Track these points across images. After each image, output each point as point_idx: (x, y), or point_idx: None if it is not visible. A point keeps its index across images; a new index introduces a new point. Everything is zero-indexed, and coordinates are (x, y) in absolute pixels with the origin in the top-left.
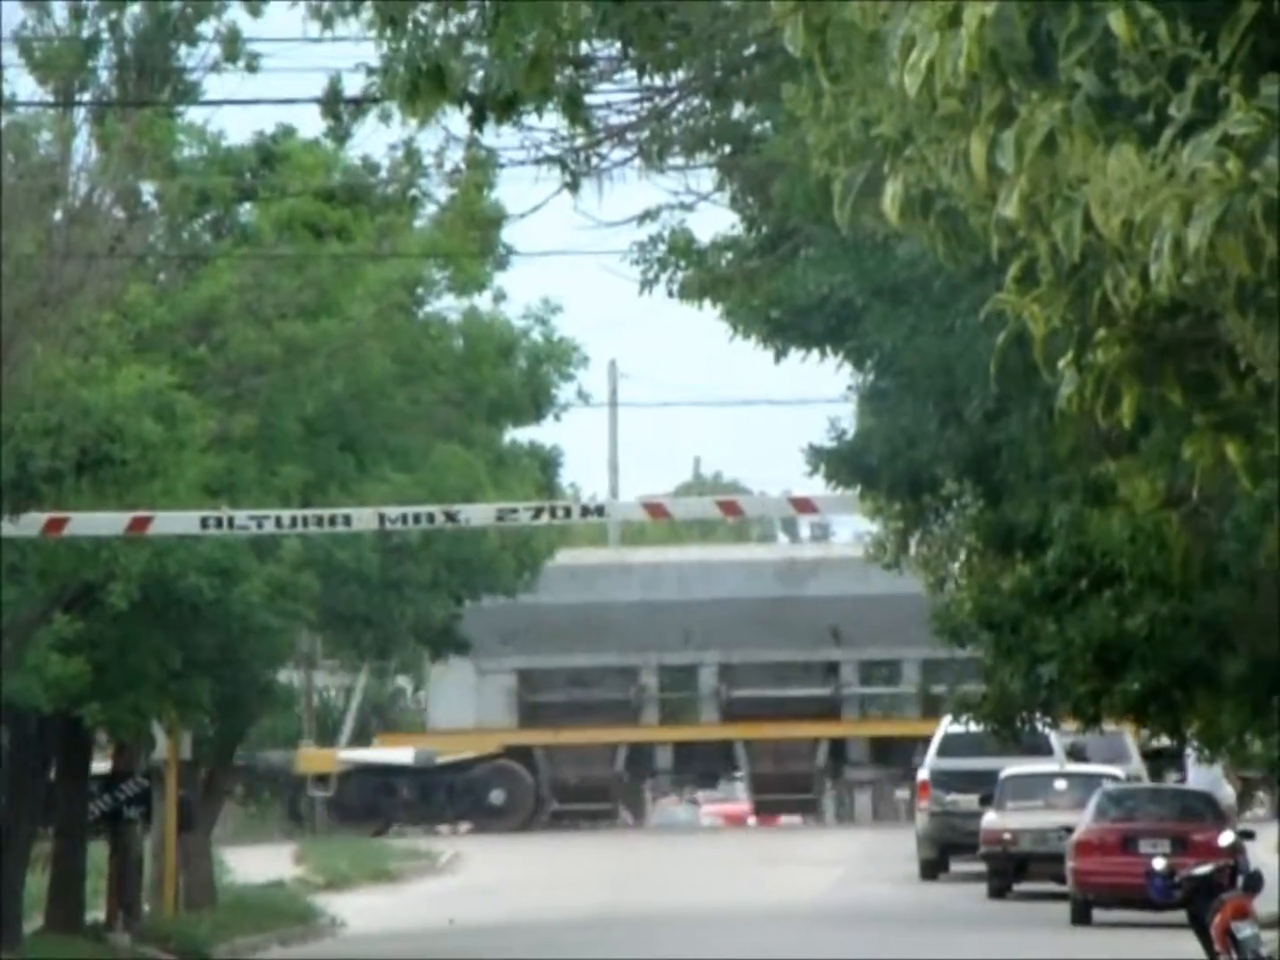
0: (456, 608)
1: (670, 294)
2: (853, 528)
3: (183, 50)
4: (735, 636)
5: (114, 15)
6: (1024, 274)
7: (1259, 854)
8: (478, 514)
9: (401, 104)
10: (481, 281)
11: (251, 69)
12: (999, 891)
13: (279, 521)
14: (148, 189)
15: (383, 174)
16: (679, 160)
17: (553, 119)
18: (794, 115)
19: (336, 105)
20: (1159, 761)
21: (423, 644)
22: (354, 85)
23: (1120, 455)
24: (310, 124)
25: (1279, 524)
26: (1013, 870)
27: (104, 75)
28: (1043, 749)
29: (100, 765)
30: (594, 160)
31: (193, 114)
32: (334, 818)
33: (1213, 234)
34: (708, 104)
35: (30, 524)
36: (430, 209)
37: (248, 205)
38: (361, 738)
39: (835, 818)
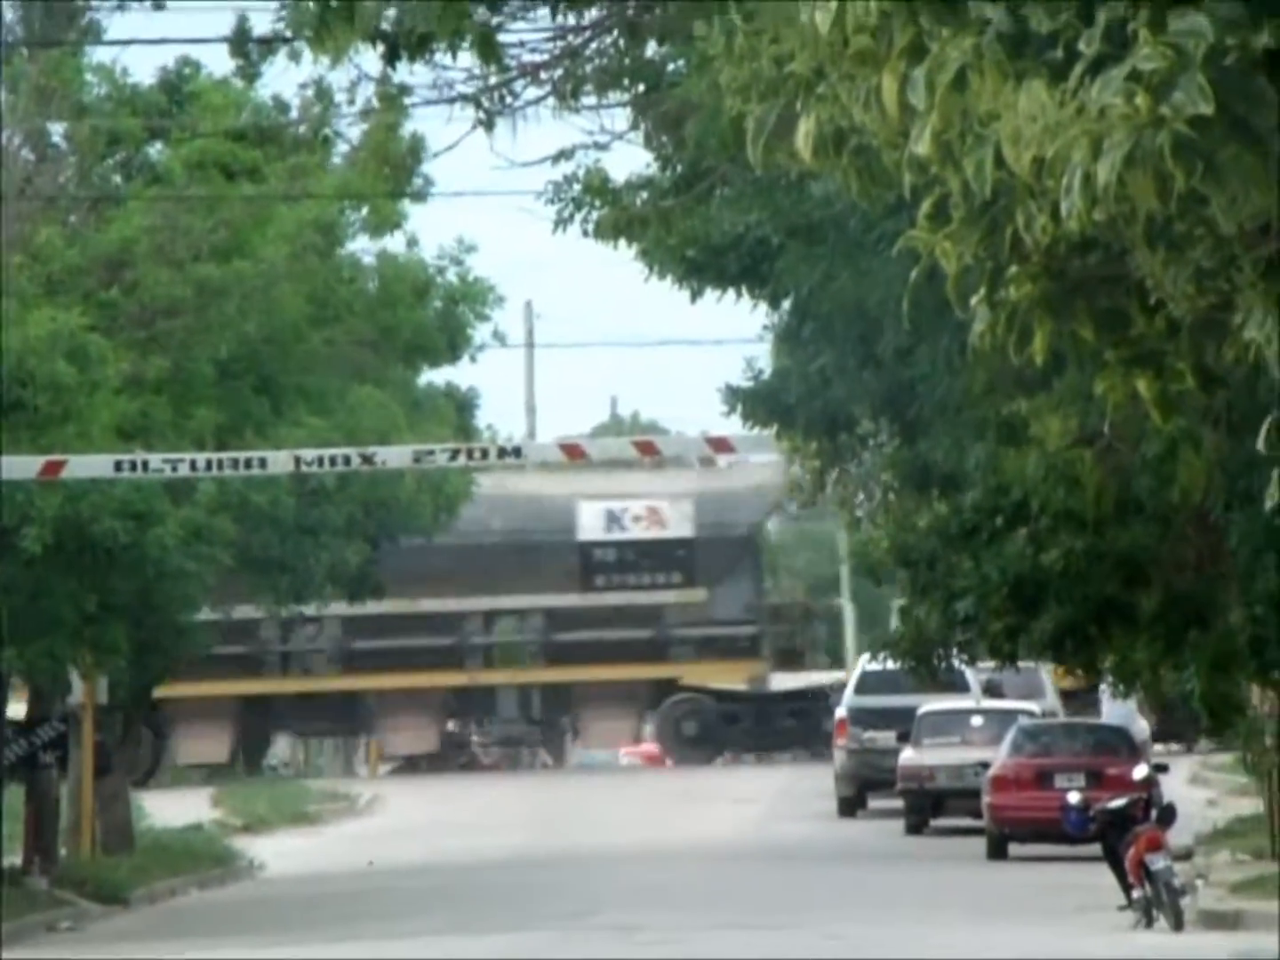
0: (374, 551)
1: (585, 234)
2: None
3: None
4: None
5: None
6: (936, 211)
7: (1172, 787)
8: (394, 456)
9: (311, 41)
10: (395, 222)
11: (158, 7)
12: (916, 827)
13: (194, 465)
14: (57, 130)
15: (294, 114)
16: (593, 99)
17: (466, 57)
18: (707, 55)
19: (245, 44)
20: (1076, 699)
21: (339, 587)
22: (262, 24)
23: (1033, 393)
24: (219, 64)
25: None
26: (929, 806)
27: (9, 15)
28: (959, 686)
29: (15, 710)
30: (508, 99)
31: (100, 54)
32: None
33: (1122, 169)
34: (621, 42)
35: None
36: (343, 149)
37: (158, 146)
38: None
39: (754, 757)
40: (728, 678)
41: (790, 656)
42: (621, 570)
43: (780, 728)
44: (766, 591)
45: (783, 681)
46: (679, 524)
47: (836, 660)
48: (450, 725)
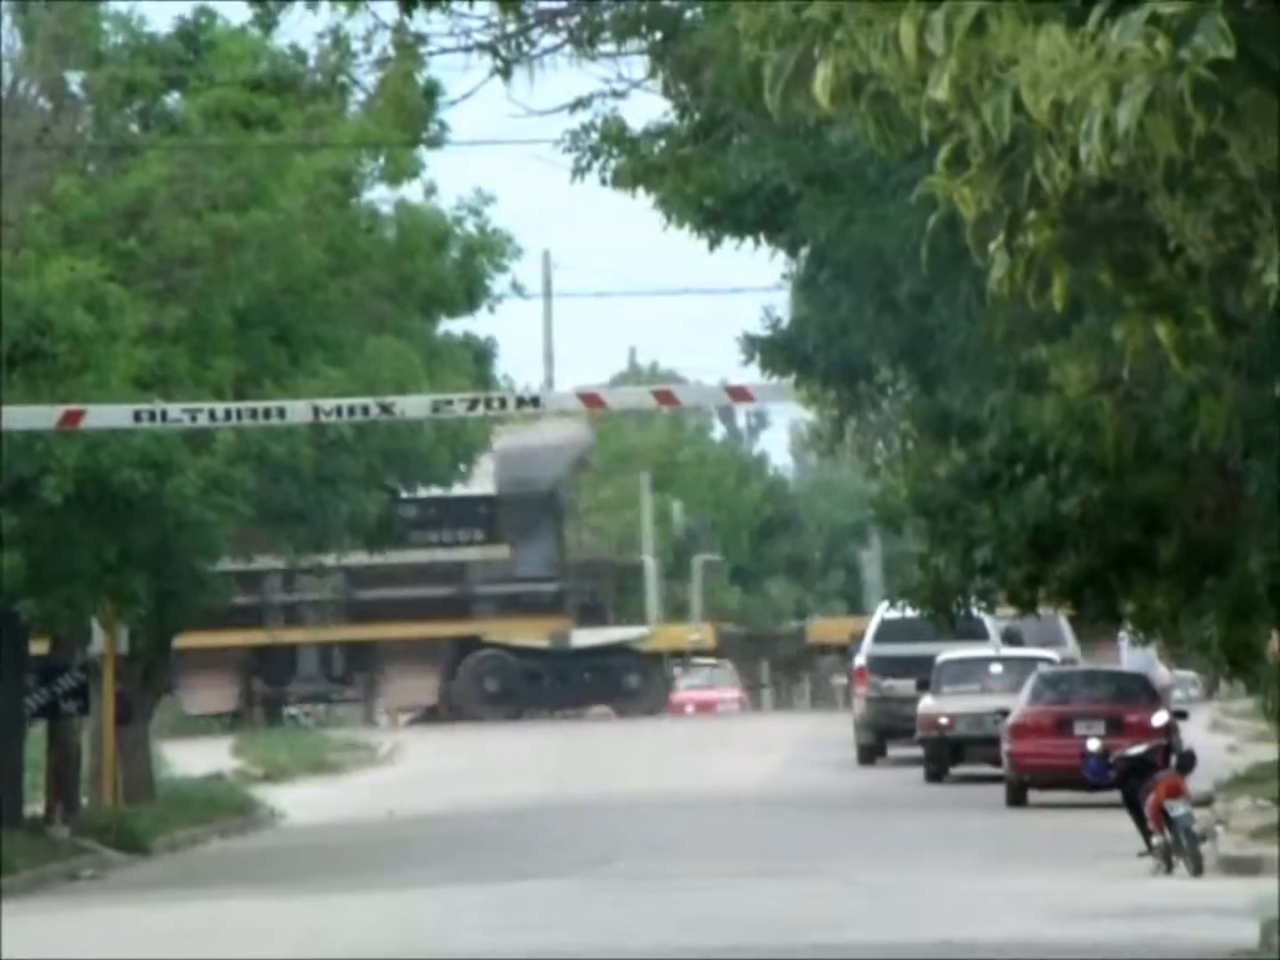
0: (393, 500)
1: (603, 183)
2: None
3: None
4: None
5: None
6: (954, 157)
7: (1192, 734)
8: (412, 406)
9: None
10: (413, 171)
11: None
12: (936, 775)
13: (212, 415)
14: (74, 79)
15: (311, 62)
16: (610, 47)
17: (483, 5)
18: (725, 3)
19: None
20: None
21: (358, 537)
22: None
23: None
24: (237, 12)
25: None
26: (949, 754)
27: None
28: (978, 634)
29: (37, 656)
30: (525, 47)
31: (117, 3)
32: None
33: (1141, 114)
34: None
35: None
36: (360, 98)
37: (175, 95)
38: None
39: (773, 704)
40: (530, 635)
41: (592, 613)
42: (424, 527)
43: (582, 684)
44: (568, 548)
45: (585, 638)
46: (481, 480)
47: (639, 616)
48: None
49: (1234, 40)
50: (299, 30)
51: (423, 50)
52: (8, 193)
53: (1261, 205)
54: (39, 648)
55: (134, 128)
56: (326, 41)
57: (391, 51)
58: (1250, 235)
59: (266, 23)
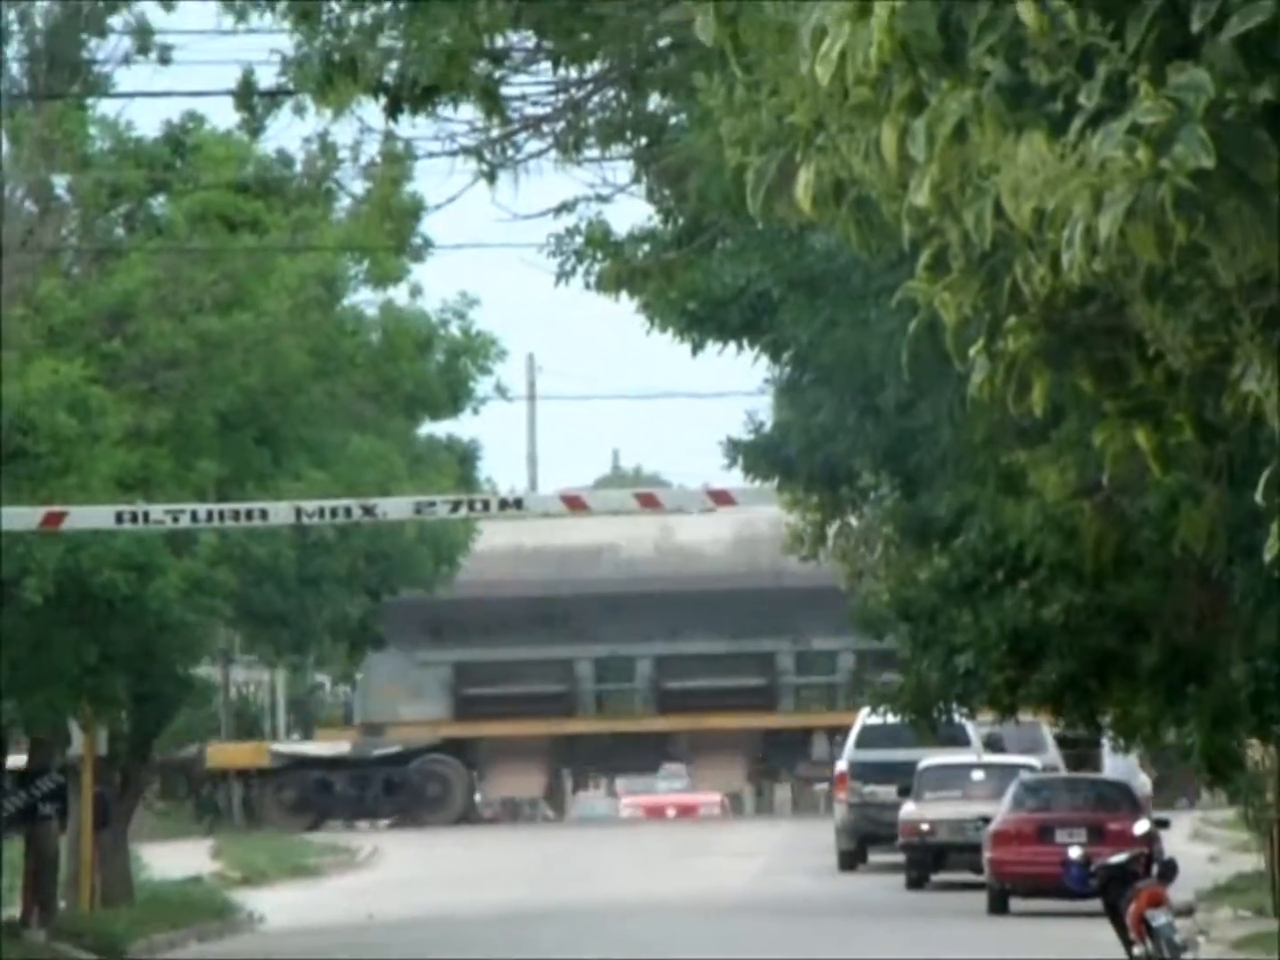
0: (374, 603)
1: (587, 286)
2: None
3: (94, 43)
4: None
5: (24, 7)
6: (935, 262)
7: (1174, 843)
8: (395, 507)
9: (314, 95)
10: (398, 275)
11: (164, 61)
12: (917, 882)
13: (195, 516)
14: (60, 182)
15: (298, 167)
16: (595, 152)
17: (468, 110)
18: (709, 109)
19: (249, 98)
20: (1076, 750)
21: (339, 640)
22: (267, 78)
23: (1031, 445)
24: (224, 117)
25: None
26: (930, 860)
27: (14, 68)
28: (960, 740)
29: (15, 761)
30: (510, 151)
31: (104, 107)
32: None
33: (1123, 222)
34: (623, 95)
35: None
36: (346, 202)
37: (161, 198)
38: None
39: (754, 809)
40: None
41: None
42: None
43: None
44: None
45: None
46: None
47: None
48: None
49: (1214, 150)
50: (286, 135)
51: (408, 157)
52: None
53: (1241, 313)
54: (17, 751)
55: (119, 230)
56: (314, 146)
57: (378, 158)
58: (1230, 343)
59: (253, 127)
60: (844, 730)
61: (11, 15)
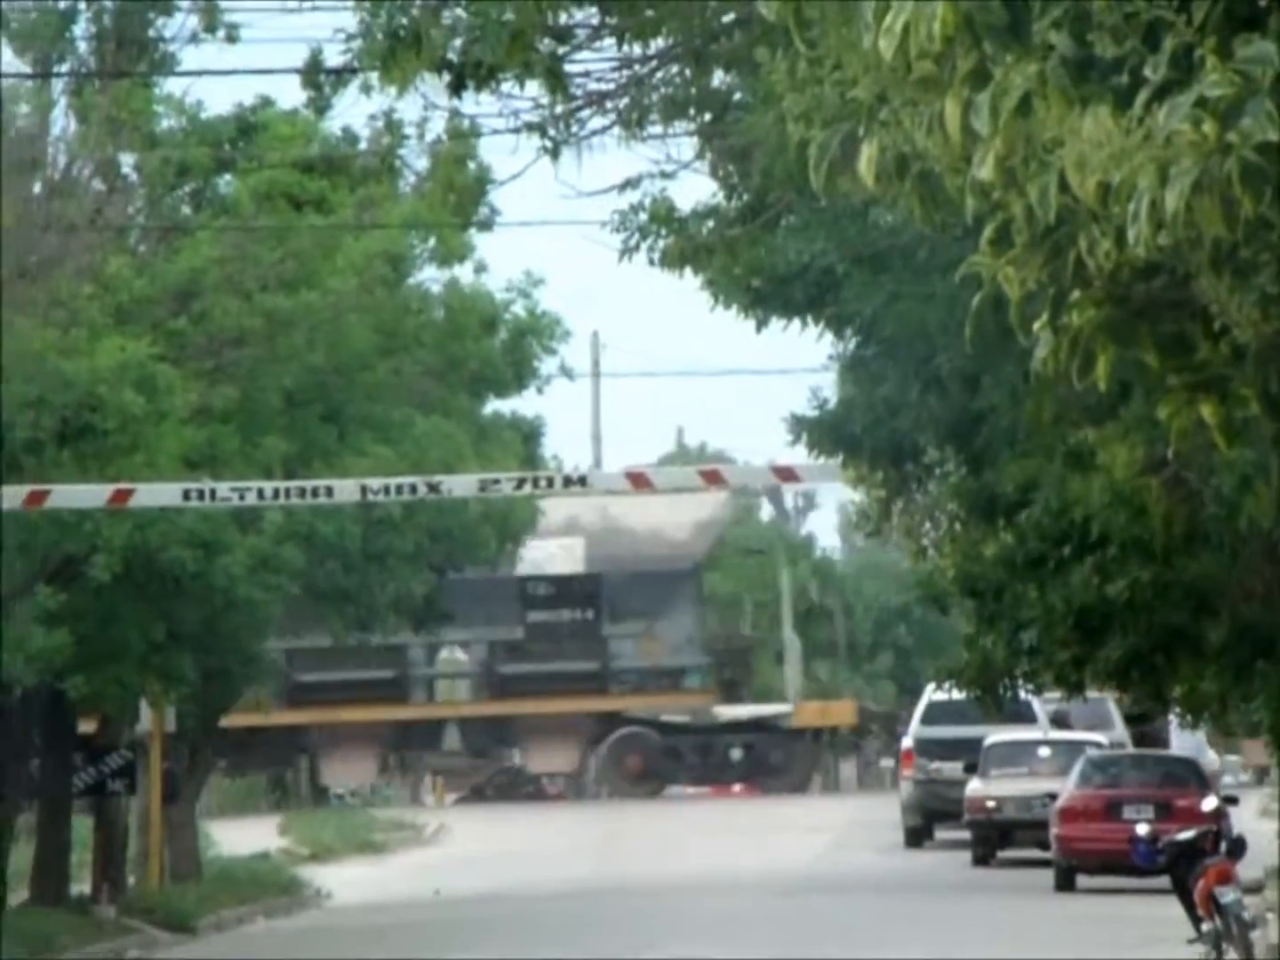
0: (440, 580)
1: (651, 263)
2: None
3: (161, 21)
4: None
5: None
6: (999, 236)
7: (1242, 819)
8: (460, 485)
9: (379, 71)
10: (463, 252)
11: (231, 39)
12: (983, 859)
13: (261, 493)
14: (127, 160)
15: (363, 145)
16: (658, 129)
17: (533, 87)
18: (772, 86)
19: (316, 75)
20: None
21: (404, 617)
22: (334, 56)
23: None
24: (290, 95)
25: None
26: (997, 838)
27: (82, 46)
28: (1026, 716)
29: (85, 735)
30: (574, 128)
31: (171, 85)
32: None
33: (1189, 196)
34: (687, 71)
35: (12, 496)
36: (411, 180)
37: (227, 177)
38: None
39: (820, 787)
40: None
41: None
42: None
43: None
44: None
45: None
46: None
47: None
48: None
49: None
50: (351, 113)
51: (473, 134)
52: (60, 273)
53: None
54: (86, 726)
55: (186, 209)
56: (379, 124)
57: (444, 135)
58: None
59: (320, 105)
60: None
61: None
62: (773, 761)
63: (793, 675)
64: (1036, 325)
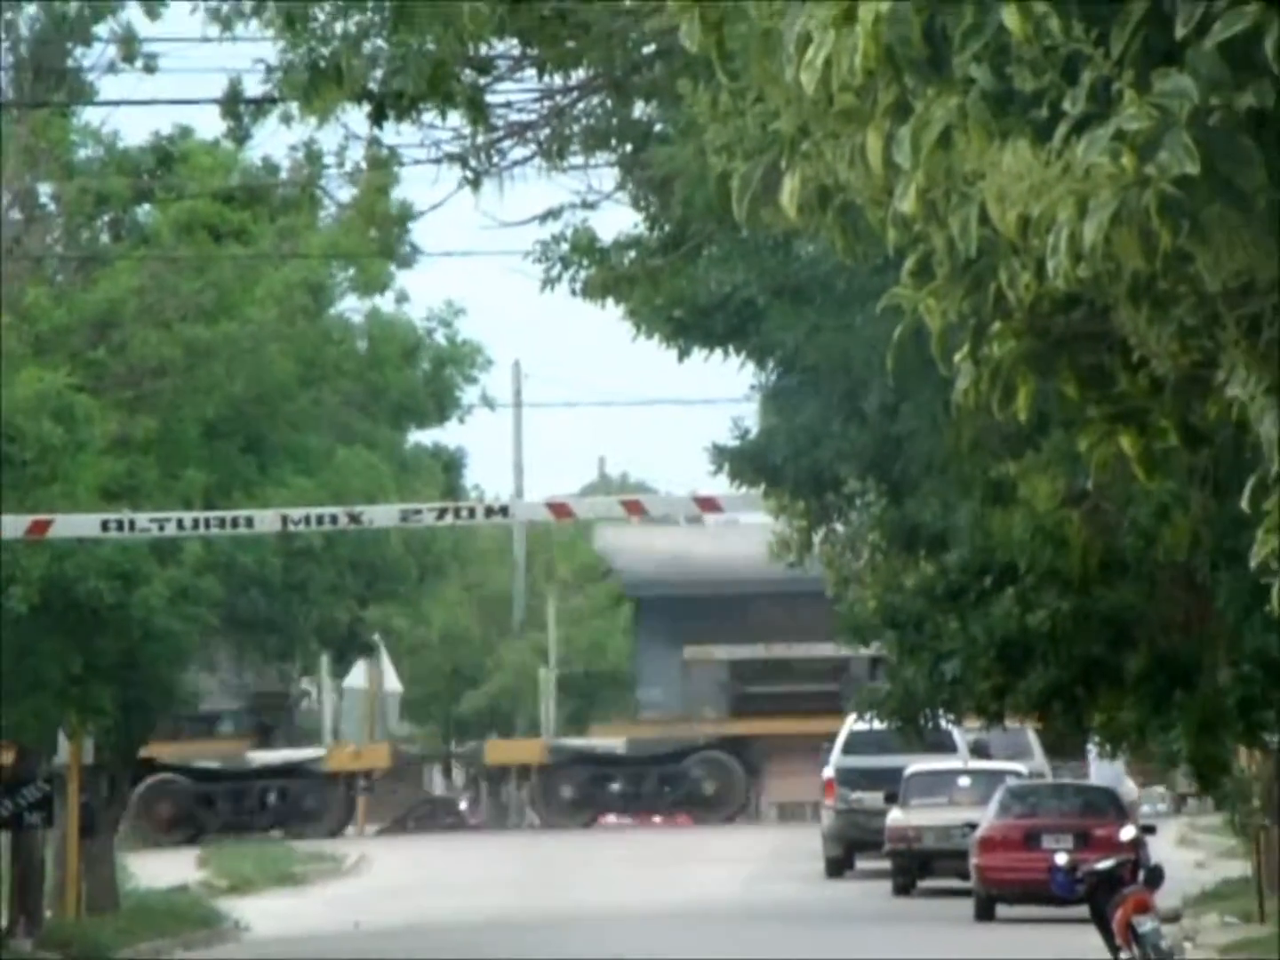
0: (362, 611)
1: (573, 293)
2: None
3: (79, 51)
4: None
5: (9, 15)
6: (920, 268)
7: (1160, 848)
8: (381, 515)
9: (300, 101)
10: (384, 282)
11: (149, 70)
12: (904, 888)
13: (180, 524)
14: (45, 190)
15: (283, 175)
16: (580, 159)
17: (454, 117)
18: (693, 119)
19: (236, 105)
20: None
21: (326, 647)
22: (254, 86)
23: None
24: (210, 126)
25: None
26: (917, 867)
27: (0, 76)
28: (946, 746)
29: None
30: (495, 158)
31: (90, 115)
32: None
33: (1108, 228)
34: (608, 102)
35: None
36: (332, 210)
37: (146, 207)
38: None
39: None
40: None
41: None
42: None
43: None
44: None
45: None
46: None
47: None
48: None
49: (1199, 156)
50: (272, 144)
51: (394, 164)
52: None
53: (1225, 319)
54: (2, 758)
55: (104, 239)
56: (299, 154)
57: (364, 164)
58: (1214, 348)
59: (239, 135)
60: None
61: None
62: (305, 807)
63: (328, 721)
64: (957, 356)
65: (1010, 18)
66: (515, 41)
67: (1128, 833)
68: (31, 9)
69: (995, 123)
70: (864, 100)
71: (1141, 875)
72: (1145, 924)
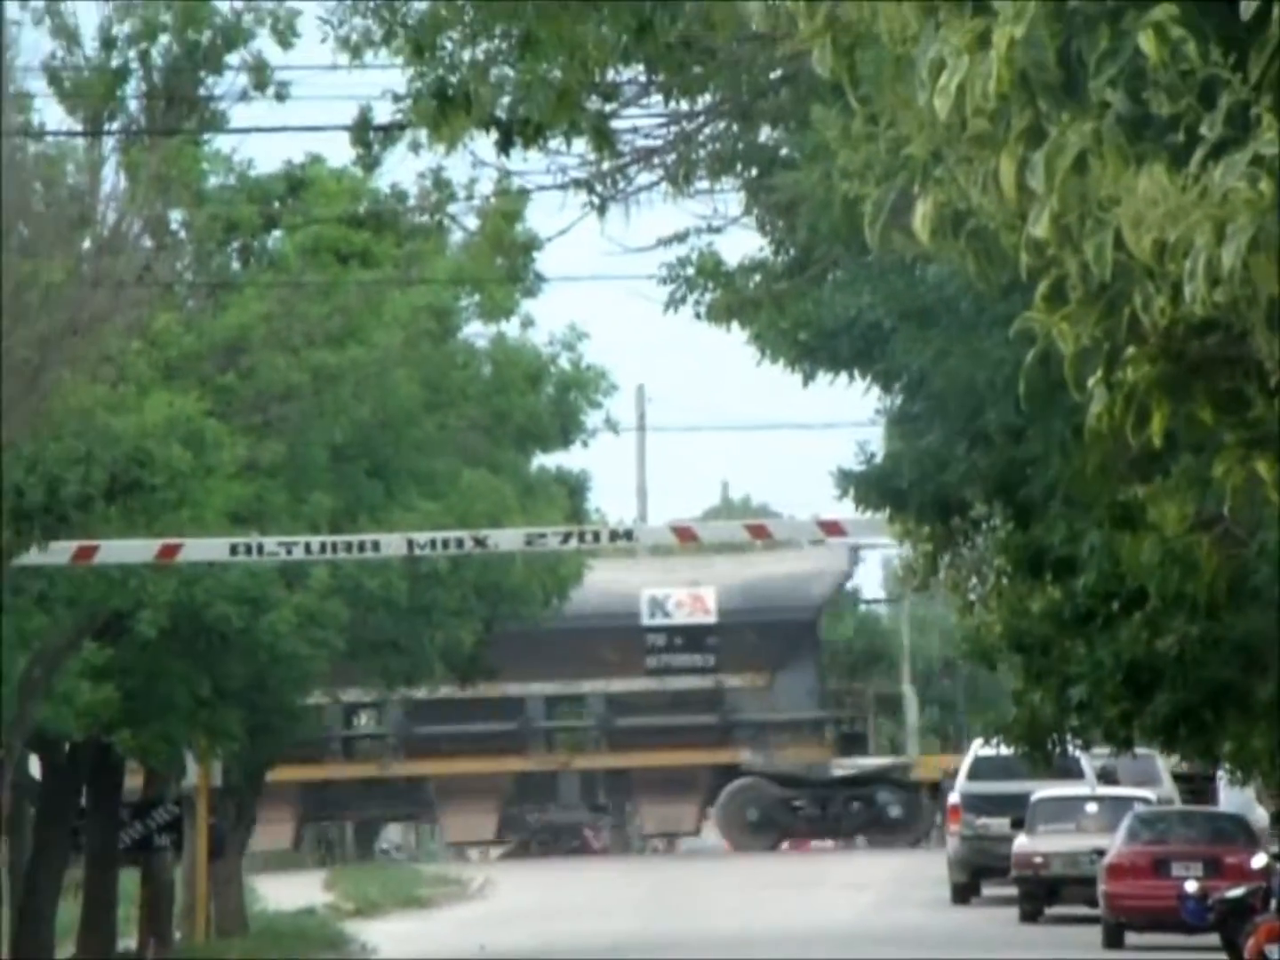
0: (486, 634)
1: (698, 316)
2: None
3: (211, 80)
4: None
5: (144, 45)
6: (1053, 292)
7: None
8: (506, 539)
9: (428, 128)
10: (509, 308)
11: (280, 98)
12: (1031, 915)
13: (308, 548)
14: (175, 217)
15: (410, 201)
16: (705, 184)
17: (580, 144)
18: (820, 143)
19: (365, 133)
20: (1191, 785)
21: (451, 670)
22: (383, 114)
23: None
24: (339, 153)
25: None
26: (1044, 894)
27: (133, 105)
28: (1074, 772)
29: (131, 793)
30: (621, 184)
31: (220, 142)
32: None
33: (1245, 253)
34: (734, 127)
35: (60, 551)
36: (458, 236)
37: (275, 233)
38: None
39: (865, 841)
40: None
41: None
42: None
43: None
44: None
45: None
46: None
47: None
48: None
49: None
50: (400, 171)
51: (521, 191)
52: (108, 328)
53: None
54: (133, 782)
55: (233, 265)
56: (427, 182)
57: (491, 196)
58: None
59: (368, 163)
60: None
61: (131, 53)
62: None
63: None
64: (1091, 381)
65: (1146, 42)
66: (641, 68)
67: (1259, 860)
68: (165, 39)
69: (1130, 147)
70: (997, 125)
71: (1273, 903)
72: (1277, 953)
